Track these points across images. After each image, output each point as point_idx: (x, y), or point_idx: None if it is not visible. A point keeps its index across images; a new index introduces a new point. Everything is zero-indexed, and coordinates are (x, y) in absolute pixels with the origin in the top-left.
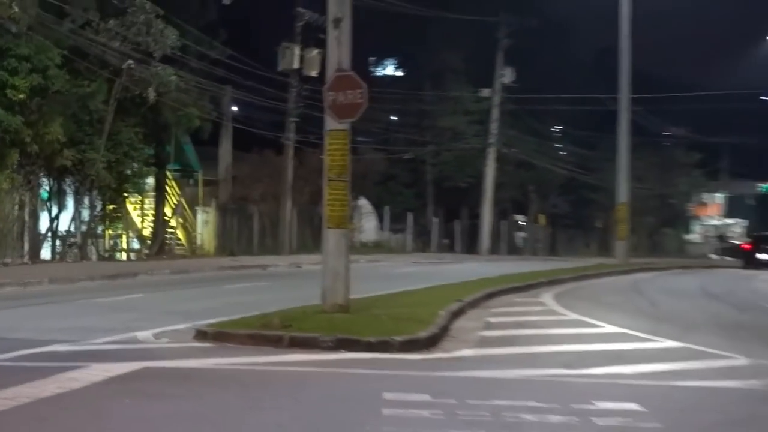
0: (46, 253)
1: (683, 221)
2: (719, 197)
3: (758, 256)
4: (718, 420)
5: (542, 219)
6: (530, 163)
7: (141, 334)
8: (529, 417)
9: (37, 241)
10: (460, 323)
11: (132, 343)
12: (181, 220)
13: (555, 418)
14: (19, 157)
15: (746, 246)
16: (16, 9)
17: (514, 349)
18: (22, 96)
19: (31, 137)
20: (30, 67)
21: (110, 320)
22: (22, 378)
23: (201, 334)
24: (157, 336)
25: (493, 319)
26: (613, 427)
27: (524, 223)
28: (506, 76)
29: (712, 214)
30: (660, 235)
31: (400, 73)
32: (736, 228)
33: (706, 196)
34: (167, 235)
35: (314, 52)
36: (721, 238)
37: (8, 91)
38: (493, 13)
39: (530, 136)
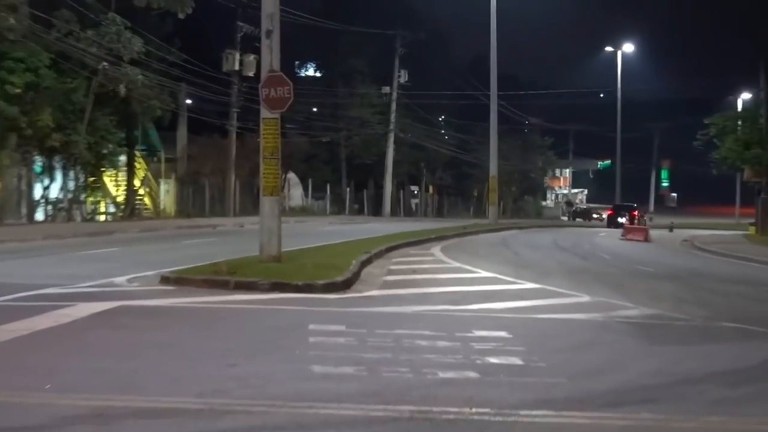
0: (39, 215)
1: (540, 190)
2: (567, 172)
3: (618, 219)
4: (567, 343)
5: (431, 189)
6: (421, 145)
7: (117, 280)
8: (423, 342)
9: (32, 206)
10: (368, 270)
11: (110, 286)
12: (147, 190)
13: (443, 343)
14: (17, 139)
15: (610, 211)
16: (12, 20)
17: (411, 290)
18: (18, 90)
19: (26, 123)
20: (24, 68)
21: (92, 269)
22: (21, 315)
23: (165, 279)
24: (130, 281)
25: (394, 267)
26: (487, 350)
27: (417, 192)
28: (402, 76)
29: (562, 185)
30: (522, 201)
31: (318, 74)
32: (580, 196)
33: (557, 171)
34: (136, 202)
35: (251, 57)
36: (569, 204)
37: (6, 86)
38: (391, 27)
39: (421, 124)
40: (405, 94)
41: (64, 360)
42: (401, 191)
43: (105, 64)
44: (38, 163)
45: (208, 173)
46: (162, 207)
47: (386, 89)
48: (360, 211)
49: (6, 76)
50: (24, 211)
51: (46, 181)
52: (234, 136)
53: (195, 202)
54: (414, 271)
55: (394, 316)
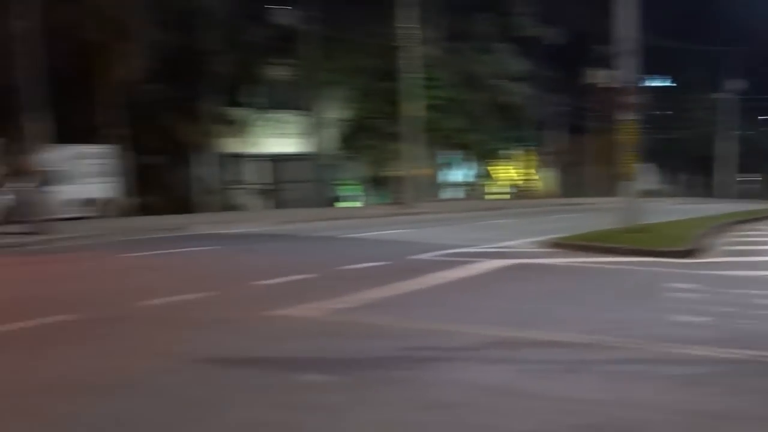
0: (446, 195)
1: None
2: None
3: None
4: None
5: (761, 177)
6: (748, 137)
7: (511, 243)
8: (763, 301)
9: (441, 188)
10: (709, 240)
11: (506, 248)
12: (531, 176)
13: None
14: (435, 138)
15: None
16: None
17: (748, 258)
18: (438, 102)
19: (442, 127)
20: (442, 84)
21: (490, 234)
22: (441, 267)
23: (549, 243)
24: (523, 244)
25: (729, 239)
26: None
27: (748, 178)
28: (736, 84)
29: None
30: None
31: (666, 84)
32: None
33: None
34: (523, 185)
35: (607, 71)
36: None
37: (429, 99)
38: (726, 43)
39: (748, 122)
40: (736, 98)
41: (476, 301)
42: (734, 177)
43: (497, 81)
44: (448, 156)
45: (578, 162)
46: (545, 189)
47: (722, 95)
48: (697, 194)
49: (429, 92)
50: (435, 192)
51: (453, 170)
52: (596, 133)
53: (570, 184)
54: (749, 243)
55: (734, 279)
